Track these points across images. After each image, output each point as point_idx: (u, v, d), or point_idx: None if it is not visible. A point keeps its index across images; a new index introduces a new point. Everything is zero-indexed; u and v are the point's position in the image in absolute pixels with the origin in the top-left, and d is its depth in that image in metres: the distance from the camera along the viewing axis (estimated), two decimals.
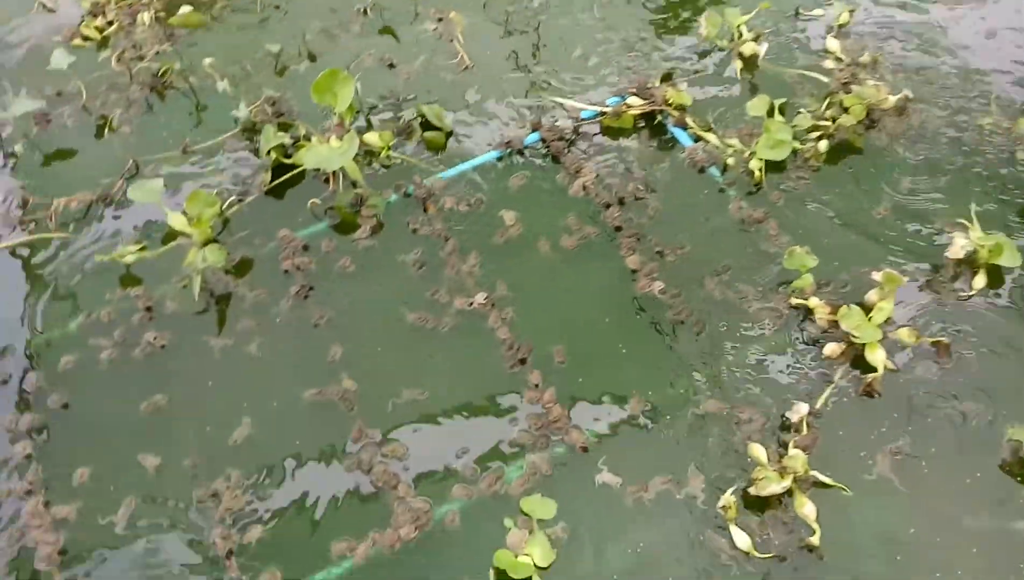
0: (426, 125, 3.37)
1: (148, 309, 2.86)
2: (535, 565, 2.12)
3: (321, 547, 2.25)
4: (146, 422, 2.57)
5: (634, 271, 2.79)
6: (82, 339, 2.80)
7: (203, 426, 2.54)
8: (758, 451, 2.28)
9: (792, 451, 2.24)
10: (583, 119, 3.28)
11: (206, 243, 3.03)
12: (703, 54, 3.56)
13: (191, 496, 2.38)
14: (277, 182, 3.21)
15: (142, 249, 3.08)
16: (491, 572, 2.16)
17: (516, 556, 2.13)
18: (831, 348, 2.53)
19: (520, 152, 3.21)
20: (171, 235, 3.13)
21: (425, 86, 3.54)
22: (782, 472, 2.20)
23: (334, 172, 3.22)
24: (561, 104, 3.37)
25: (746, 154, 3.06)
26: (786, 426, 2.39)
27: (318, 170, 3.25)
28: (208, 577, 2.24)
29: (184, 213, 3.07)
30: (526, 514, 2.24)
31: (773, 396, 2.47)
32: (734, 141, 3.12)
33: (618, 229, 2.91)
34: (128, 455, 2.49)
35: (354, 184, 3.20)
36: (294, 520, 2.31)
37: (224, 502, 2.34)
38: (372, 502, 2.33)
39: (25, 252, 3.13)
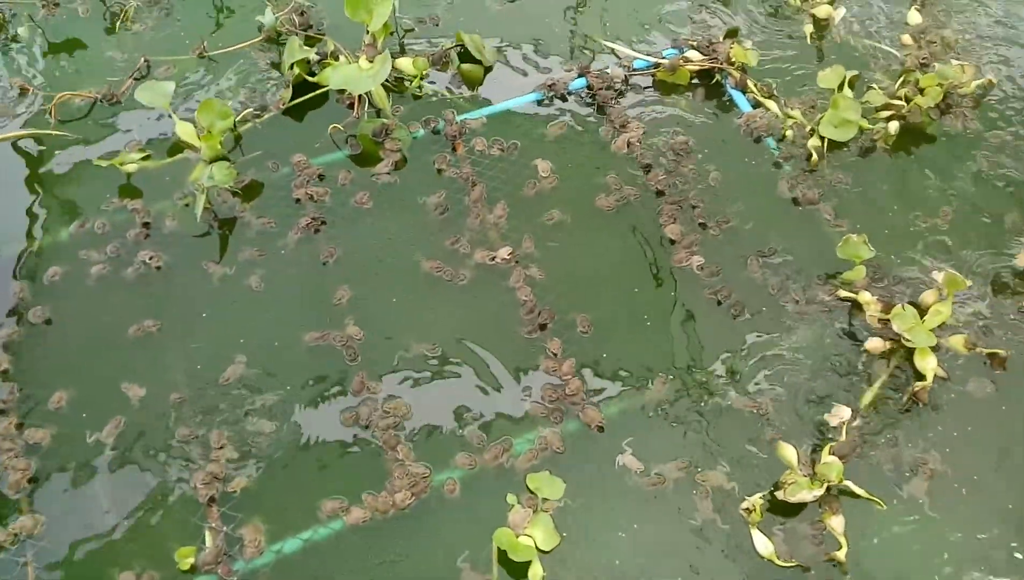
0: (464, 56, 3.11)
1: (146, 225, 2.66)
2: (537, 547, 1.95)
3: (309, 504, 2.08)
4: (133, 348, 2.39)
5: (672, 241, 2.57)
6: (72, 250, 2.60)
7: (194, 360, 2.35)
8: (788, 452, 2.09)
9: (828, 458, 2.05)
10: (635, 69, 3.02)
11: (215, 160, 2.81)
12: (773, 12, 3.26)
13: (174, 434, 2.20)
14: (297, 101, 2.97)
15: (145, 158, 2.86)
16: (493, 550, 1.98)
17: (517, 536, 1.95)
18: (874, 343, 2.32)
19: (563, 97, 2.96)
20: (177, 147, 2.91)
21: (467, 14, 3.27)
22: (814, 479, 2.01)
23: (360, 97, 2.98)
24: (613, 50, 3.10)
25: (807, 128, 2.80)
26: (821, 429, 2.19)
27: (341, 93, 3.01)
28: (188, 523, 2.06)
29: (194, 123, 2.83)
30: (532, 491, 2.07)
31: (808, 395, 2.27)
32: (796, 112, 2.86)
33: (660, 193, 2.68)
34: (111, 382, 2.31)
35: (379, 112, 2.96)
36: (282, 472, 2.15)
37: (209, 443, 2.16)
38: (368, 461, 2.15)
39: (24, 145, 2.90)
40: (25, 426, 2.23)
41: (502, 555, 1.98)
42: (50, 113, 3.00)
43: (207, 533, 2.02)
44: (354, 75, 2.74)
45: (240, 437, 2.20)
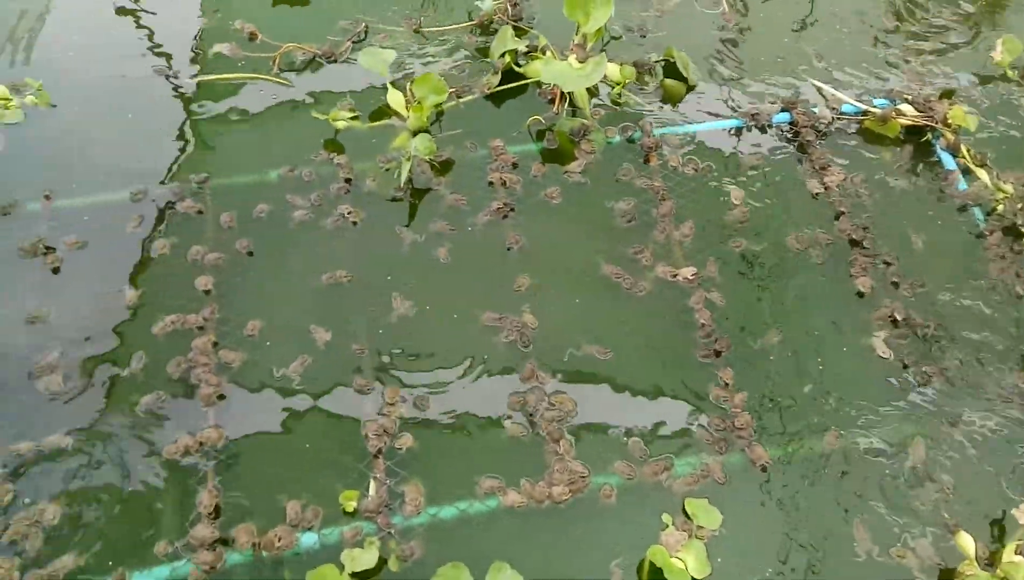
0: (668, 71, 3.12)
1: (347, 181, 2.80)
2: (688, 573, 1.97)
3: (468, 478, 2.16)
4: (324, 294, 2.53)
5: (860, 294, 2.52)
6: (280, 191, 2.76)
7: (377, 318, 2.47)
8: (967, 542, 2.03)
9: (1014, 556, 1.98)
10: (843, 113, 2.97)
11: (418, 131, 2.93)
12: (986, 79, 3.14)
13: (352, 382, 2.32)
14: (500, 88, 3.06)
15: (354, 118, 3.00)
16: (645, 563, 2.01)
17: (671, 557, 1.98)
18: None
19: (763, 128, 2.94)
20: (382, 112, 3.05)
21: (677, 29, 3.28)
22: (995, 576, 1.95)
23: (561, 95, 3.04)
24: (821, 90, 3.06)
25: (1021, 206, 2.69)
26: (1001, 523, 2.12)
27: (539, 85, 3.08)
28: (354, 469, 2.18)
29: (404, 92, 2.97)
30: (688, 516, 2.08)
31: (996, 483, 2.19)
32: (1008, 186, 2.75)
33: (854, 243, 2.63)
34: (300, 322, 2.45)
35: (575, 112, 3.02)
36: (447, 441, 2.24)
37: (384, 399, 2.27)
38: (529, 448, 2.21)
39: (246, 87, 3.10)
40: (220, 346, 2.39)
41: (654, 571, 2.00)
42: (274, 61, 3.19)
43: (372, 482, 2.13)
44: (566, 72, 2.81)
45: (411, 399, 2.29)
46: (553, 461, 2.17)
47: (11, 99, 3.00)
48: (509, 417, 2.27)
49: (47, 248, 2.58)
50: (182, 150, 2.90)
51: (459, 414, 2.28)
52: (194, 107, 3.02)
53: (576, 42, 3.06)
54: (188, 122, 2.99)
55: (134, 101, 3.02)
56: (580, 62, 2.91)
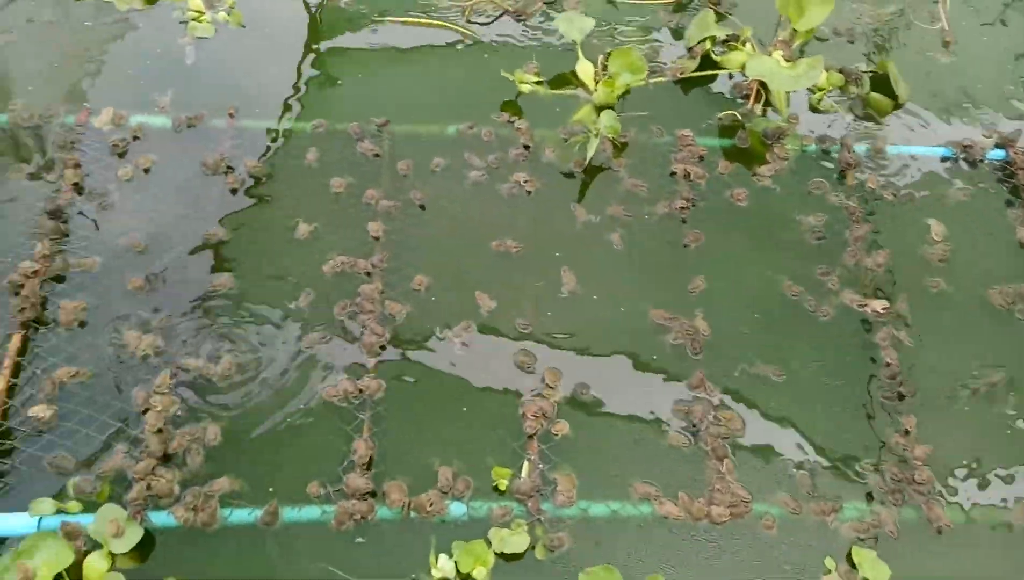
0: (876, 84, 2.93)
1: (526, 147, 2.73)
2: None
3: (622, 478, 2.10)
4: (491, 259, 2.48)
5: None
6: (458, 147, 2.72)
7: (544, 295, 2.40)
8: None
9: None
10: None
11: (604, 107, 2.83)
12: None
13: (514, 356, 2.28)
14: (693, 75, 2.92)
15: (539, 83, 2.92)
16: None
17: None
18: None
19: (974, 163, 2.73)
20: (565, 80, 2.96)
21: (889, 40, 3.07)
22: None
23: (757, 91, 2.89)
24: None
25: None
26: None
27: (731, 77, 2.94)
28: (507, 446, 2.14)
29: (594, 64, 2.87)
30: (853, 564, 1.97)
31: None
32: None
33: None
34: (466, 286, 2.41)
35: (765, 111, 2.87)
36: (604, 436, 2.18)
37: (545, 381, 2.22)
38: (687, 459, 2.14)
39: (432, 35, 3.05)
40: (386, 295, 2.37)
41: None
42: (464, 12, 3.13)
43: (525, 464, 2.09)
44: (775, 70, 2.65)
45: (569, 385, 2.23)
46: (714, 479, 2.08)
47: (204, 13, 3.02)
48: (671, 424, 2.19)
49: (228, 167, 2.60)
50: (362, 91, 2.87)
51: (618, 410, 2.21)
52: (378, 48, 2.99)
53: (781, 38, 2.90)
54: (368, 61, 2.95)
55: (320, 34, 3.01)
56: (787, 60, 2.75)
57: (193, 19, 3.00)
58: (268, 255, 2.43)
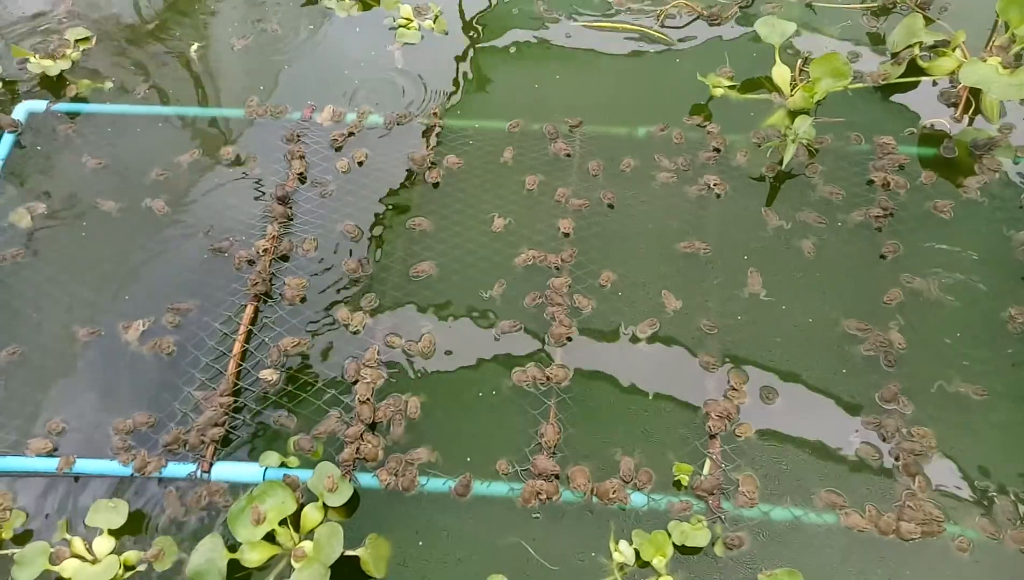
0: None
1: (716, 150, 2.75)
2: None
3: (805, 486, 2.10)
4: (680, 260, 2.52)
5: None
6: (647, 148, 2.79)
7: (730, 298, 2.43)
8: None
9: None
10: None
11: (799, 112, 2.80)
12: None
13: (698, 357, 2.32)
14: (892, 82, 2.83)
15: (731, 87, 2.93)
16: None
17: None
18: None
19: None
20: (757, 84, 2.95)
21: None
22: None
23: (967, 100, 2.76)
24: None
25: None
26: None
27: (935, 84, 2.82)
28: (689, 442, 2.19)
29: (793, 69, 2.84)
30: None
31: None
32: None
33: None
34: (653, 284, 2.48)
35: (971, 121, 2.74)
36: (788, 441, 2.18)
37: (729, 383, 2.25)
38: (877, 474, 2.10)
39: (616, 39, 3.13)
40: (574, 290, 2.47)
41: None
42: (659, 16, 3.18)
43: (708, 462, 2.13)
44: (993, 78, 2.53)
45: (754, 389, 2.24)
46: (904, 495, 2.04)
47: (412, 20, 3.24)
48: (860, 436, 2.16)
49: (432, 163, 2.79)
50: (556, 92, 2.99)
51: (804, 417, 2.21)
52: (573, 52, 3.09)
53: (998, 43, 2.75)
54: (563, 64, 3.07)
55: (517, 39, 3.15)
56: (1006, 67, 2.61)
57: (402, 26, 3.23)
58: (466, 245, 2.59)
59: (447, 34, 3.21)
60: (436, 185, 2.75)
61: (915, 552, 1.98)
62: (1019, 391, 2.19)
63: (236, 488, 2.15)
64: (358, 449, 2.19)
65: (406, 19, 3.24)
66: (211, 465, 2.19)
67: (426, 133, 2.86)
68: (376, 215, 2.67)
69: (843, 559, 1.99)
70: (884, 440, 2.13)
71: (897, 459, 2.09)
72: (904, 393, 2.19)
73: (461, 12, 3.27)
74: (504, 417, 2.27)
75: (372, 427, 2.25)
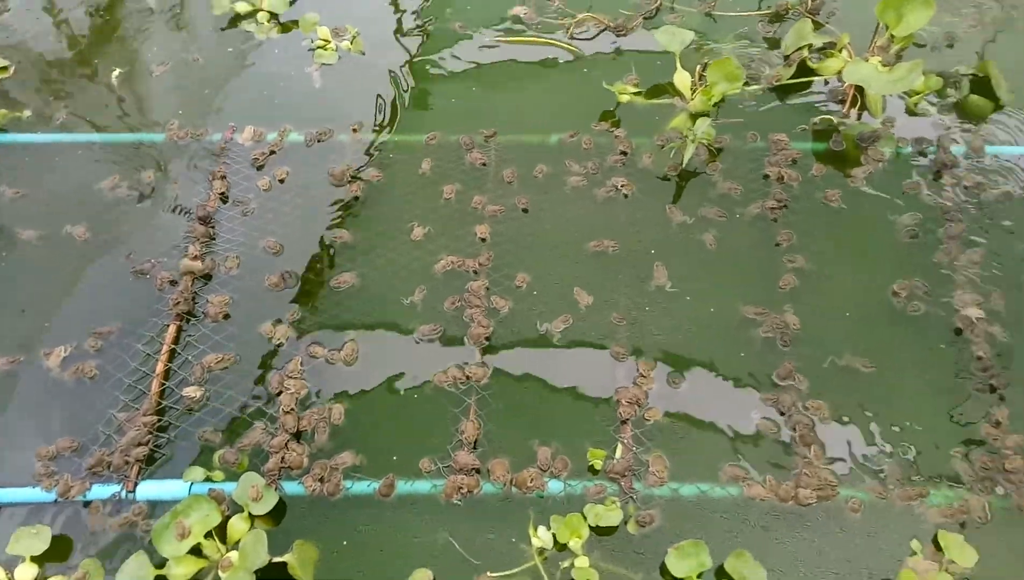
0: (975, 87, 2.94)
1: (624, 153, 2.88)
2: None
3: (711, 462, 2.22)
4: (589, 259, 2.64)
5: None
6: (559, 155, 2.90)
7: (639, 291, 2.55)
8: None
9: None
10: None
11: (699, 115, 2.96)
12: None
13: (609, 348, 2.43)
14: (788, 82, 3.01)
15: (637, 93, 3.08)
16: None
17: None
18: None
19: None
20: (661, 90, 3.10)
21: (990, 43, 3.06)
22: None
23: (853, 97, 2.95)
24: None
25: None
26: None
27: (826, 83, 3.01)
28: (603, 430, 2.30)
29: (693, 75, 3.00)
30: (939, 548, 2.02)
31: None
32: None
33: None
34: (565, 283, 2.58)
35: (858, 117, 2.92)
36: (694, 422, 2.30)
37: (638, 370, 2.37)
38: (776, 447, 2.23)
39: (529, 51, 3.26)
40: (491, 292, 2.57)
41: None
42: (568, 29, 3.32)
43: (619, 447, 2.24)
44: (873, 75, 2.72)
45: (662, 375, 2.36)
46: (801, 464, 2.17)
47: (330, 41, 3.34)
48: (760, 412, 2.29)
49: (352, 177, 2.87)
50: (472, 105, 3.10)
51: (709, 398, 2.33)
52: (487, 66, 3.22)
53: (879, 44, 2.95)
54: (478, 79, 3.19)
55: (433, 55, 3.27)
56: (885, 65, 2.81)
57: (320, 47, 3.32)
58: (387, 255, 2.68)
59: (364, 54, 3.31)
60: (357, 198, 2.83)
61: (812, 516, 2.11)
62: (902, 362, 2.34)
63: (163, 506, 2.18)
64: (283, 458, 2.25)
65: (324, 40, 3.32)
66: (135, 485, 2.22)
67: (346, 148, 2.94)
68: (298, 230, 2.74)
69: (749, 528, 2.10)
70: (782, 414, 2.26)
71: (794, 431, 2.22)
72: (799, 370, 2.33)
73: (380, 32, 3.37)
74: (427, 417, 2.35)
75: (297, 436, 2.31)
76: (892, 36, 2.88)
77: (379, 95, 3.15)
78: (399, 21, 3.43)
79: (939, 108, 2.94)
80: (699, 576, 2.01)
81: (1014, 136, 2.83)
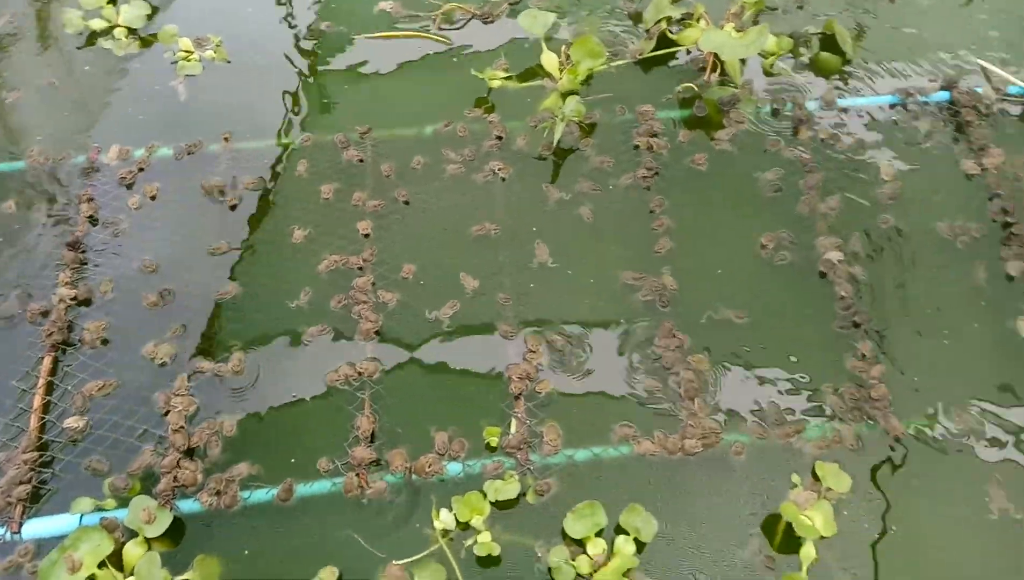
0: (825, 44, 3.09)
1: (499, 138, 2.92)
2: (816, 530, 2.04)
3: (603, 425, 2.28)
4: (473, 244, 2.67)
5: (1010, 278, 2.47)
6: (435, 145, 2.92)
7: (523, 270, 2.59)
8: None
9: None
10: (1009, 95, 2.87)
11: (569, 93, 3.02)
12: None
13: (496, 329, 2.47)
14: (652, 54, 3.11)
15: (507, 78, 3.12)
16: (781, 524, 2.09)
17: (800, 514, 2.05)
18: None
19: (921, 106, 2.88)
20: (533, 73, 3.15)
21: (837, 2, 3.22)
22: None
23: (713, 63, 3.06)
24: (986, 70, 2.96)
25: None
26: None
27: (689, 53, 3.12)
28: (497, 407, 2.33)
29: (560, 55, 3.06)
30: (817, 478, 2.13)
31: None
32: None
33: (1007, 226, 2.57)
34: (451, 269, 2.61)
35: (723, 81, 3.04)
36: (584, 389, 2.35)
37: (527, 346, 2.41)
38: (663, 403, 2.31)
39: (409, 45, 3.27)
40: (378, 286, 2.58)
41: (769, 527, 2.08)
42: (434, 20, 3.34)
43: (513, 422, 2.28)
44: (726, 41, 2.82)
45: (549, 348, 2.41)
46: (687, 416, 2.25)
47: (192, 52, 3.27)
48: (646, 371, 2.36)
49: (226, 187, 2.83)
50: (344, 103, 3.09)
51: (596, 365, 2.39)
52: (358, 63, 3.21)
53: (733, 11, 3.07)
54: (349, 77, 3.18)
55: (298, 58, 3.24)
56: (738, 31, 2.92)
57: (182, 59, 3.25)
58: (268, 261, 2.65)
59: (230, 62, 3.25)
60: (233, 207, 2.79)
61: (700, 464, 2.20)
62: (774, 309, 2.45)
63: (54, 542, 2.11)
64: (175, 477, 2.20)
65: (186, 51, 3.25)
66: (20, 525, 2.15)
67: (218, 159, 2.89)
68: (174, 246, 2.69)
69: (642, 483, 2.17)
70: (666, 370, 2.34)
71: (678, 386, 2.30)
72: (679, 328, 2.42)
73: (245, 38, 3.32)
74: (322, 418, 2.34)
75: (189, 453, 2.27)
76: (744, 4, 2.99)
77: (248, 101, 3.10)
78: (264, 26, 3.38)
79: (793, 67, 3.08)
80: (597, 534, 2.06)
81: (861, 88, 2.98)
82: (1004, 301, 2.45)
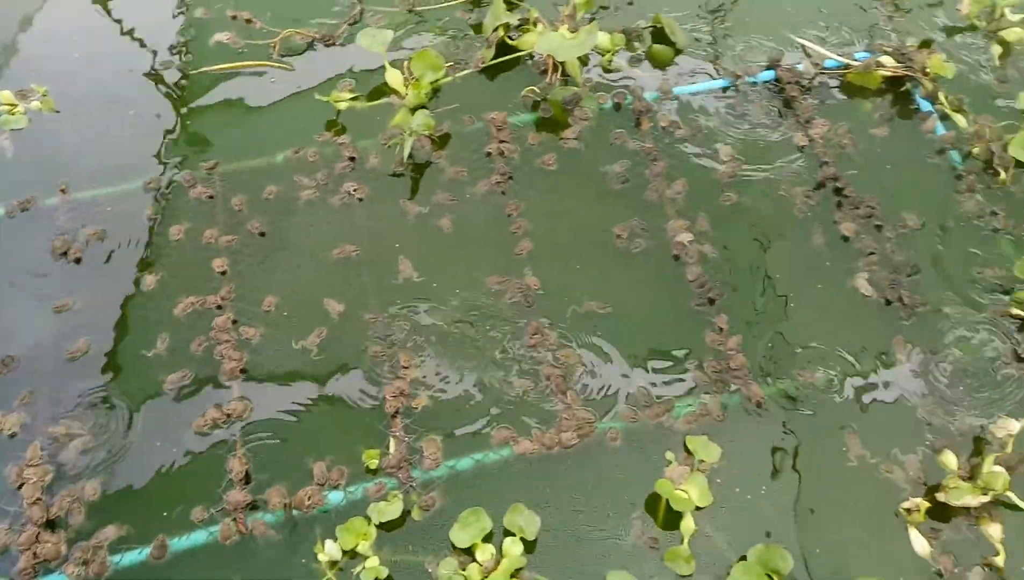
0: (656, 37, 3.22)
1: (351, 159, 2.90)
2: (692, 502, 2.10)
3: (482, 431, 2.28)
4: (334, 268, 2.64)
5: (845, 238, 2.63)
6: (287, 173, 2.87)
7: (388, 288, 2.58)
8: (950, 459, 2.16)
9: (994, 467, 2.10)
10: (826, 68, 3.06)
11: (417, 108, 3.03)
12: (953, 30, 3.25)
13: (367, 351, 2.44)
14: (494, 62, 3.15)
15: (355, 98, 3.11)
16: (661, 503, 2.14)
17: (675, 489, 2.11)
18: None
19: (750, 86, 3.04)
20: (381, 91, 3.15)
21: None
22: (977, 486, 2.08)
23: (554, 65, 3.14)
24: (805, 47, 3.15)
25: (995, 146, 2.80)
26: (980, 438, 2.25)
27: (532, 57, 3.19)
28: (374, 429, 2.30)
29: (401, 71, 3.07)
30: (689, 452, 2.21)
31: (969, 404, 2.32)
32: (985, 129, 2.86)
33: (838, 192, 2.74)
34: (314, 295, 2.56)
35: (565, 81, 3.12)
36: (460, 398, 2.35)
37: (400, 363, 2.40)
38: (536, 402, 2.33)
39: (244, 74, 3.20)
40: (239, 323, 2.51)
41: (651, 506, 2.14)
42: (274, 47, 3.29)
43: (391, 441, 2.26)
44: (559, 43, 2.90)
45: (424, 363, 2.41)
46: (561, 411, 2.29)
47: (16, 105, 3.10)
48: (517, 372, 2.39)
49: (68, 240, 2.69)
50: (188, 140, 3.00)
51: (469, 372, 2.40)
52: (197, 98, 3.12)
53: (566, 13, 3.15)
54: (191, 113, 3.09)
55: (135, 99, 3.13)
56: (572, 32, 3.01)
57: (7, 112, 3.07)
58: (119, 311, 2.53)
59: (59, 112, 3.10)
60: (78, 261, 2.66)
61: (578, 455, 2.23)
62: (633, 296, 2.53)
63: None
64: (35, 553, 2.07)
65: (8, 104, 3.08)
66: None
67: (57, 211, 2.75)
68: (14, 309, 2.53)
69: (525, 482, 2.19)
70: (537, 368, 2.37)
71: (548, 381, 2.33)
72: (547, 326, 2.45)
73: (74, 86, 3.17)
74: (192, 467, 2.26)
75: (50, 525, 2.14)
76: (575, 3, 3.08)
77: (83, 149, 2.97)
78: (95, 70, 3.24)
79: (630, 61, 3.18)
80: (485, 540, 2.06)
81: (693, 75, 3.12)
82: (842, 261, 2.60)
